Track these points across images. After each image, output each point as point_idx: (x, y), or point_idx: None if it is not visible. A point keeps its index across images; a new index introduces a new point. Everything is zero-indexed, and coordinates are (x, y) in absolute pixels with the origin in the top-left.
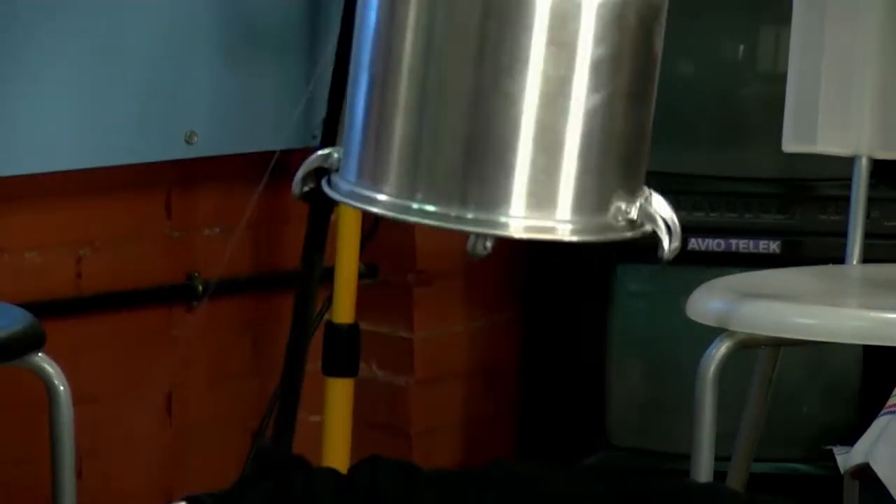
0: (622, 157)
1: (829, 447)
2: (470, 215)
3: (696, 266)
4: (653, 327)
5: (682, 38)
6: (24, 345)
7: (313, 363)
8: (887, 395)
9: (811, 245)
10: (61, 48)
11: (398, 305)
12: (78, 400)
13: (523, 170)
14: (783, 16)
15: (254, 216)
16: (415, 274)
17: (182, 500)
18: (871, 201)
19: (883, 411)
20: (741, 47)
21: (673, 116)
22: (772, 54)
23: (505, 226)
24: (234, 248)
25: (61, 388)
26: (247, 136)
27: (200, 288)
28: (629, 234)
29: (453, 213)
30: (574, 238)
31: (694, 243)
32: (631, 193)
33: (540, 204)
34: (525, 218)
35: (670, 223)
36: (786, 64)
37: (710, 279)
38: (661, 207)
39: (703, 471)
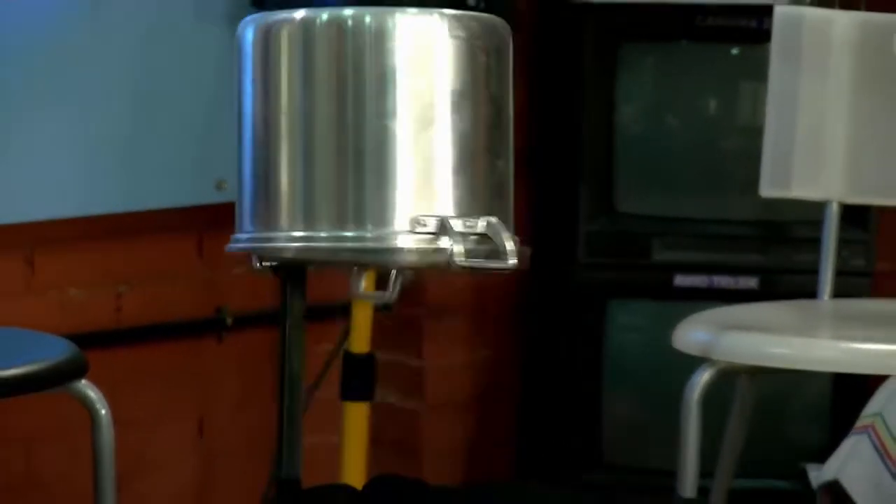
0: (490, 182)
1: (803, 465)
2: (369, 236)
3: (681, 301)
4: (642, 357)
5: (670, 95)
6: (69, 373)
7: (332, 389)
8: (856, 418)
9: (786, 282)
10: (106, 105)
11: (410, 337)
12: (117, 423)
13: (406, 192)
14: (761, 73)
15: None
16: (425, 309)
17: None
18: (842, 242)
19: (852, 432)
20: (722, 103)
21: (661, 165)
22: (750, 109)
23: (396, 246)
24: (259, 284)
25: (103, 412)
26: None
27: (229, 321)
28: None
29: (353, 241)
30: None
31: (679, 280)
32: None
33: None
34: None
35: (505, 250)
36: (763, 117)
37: (694, 313)
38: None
39: (689, 487)
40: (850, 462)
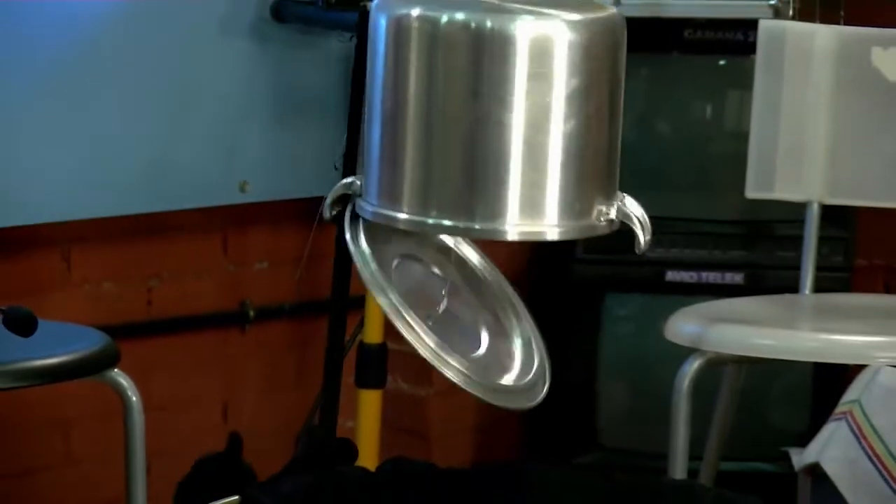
0: (598, 169)
1: (785, 449)
2: (476, 226)
3: (672, 295)
4: (636, 347)
5: (662, 103)
6: (102, 362)
7: (348, 377)
8: (835, 405)
9: (770, 277)
10: (139, 113)
11: None
12: (147, 408)
13: (516, 185)
14: (746, 83)
15: (298, 252)
16: None
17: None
18: (822, 240)
19: (831, 418)
20: (711, 110)
21: (654, 167)
22: (737, 116)
23: (504, 233)
24: (280, 279)
25: (134, 398)
26: (291, 185)
27: (251, 313)
28: (608, 231)
29: (462, 224)
30: (560, 237)
31: (671, 275)
32: (608, 198)
33: (532, 212)
34: (519, 225)
35: (642, 220)
36: (749, 124)
37: (684, 306)
38: (634, 208)
39: (679, 469)
40: (829, 446)
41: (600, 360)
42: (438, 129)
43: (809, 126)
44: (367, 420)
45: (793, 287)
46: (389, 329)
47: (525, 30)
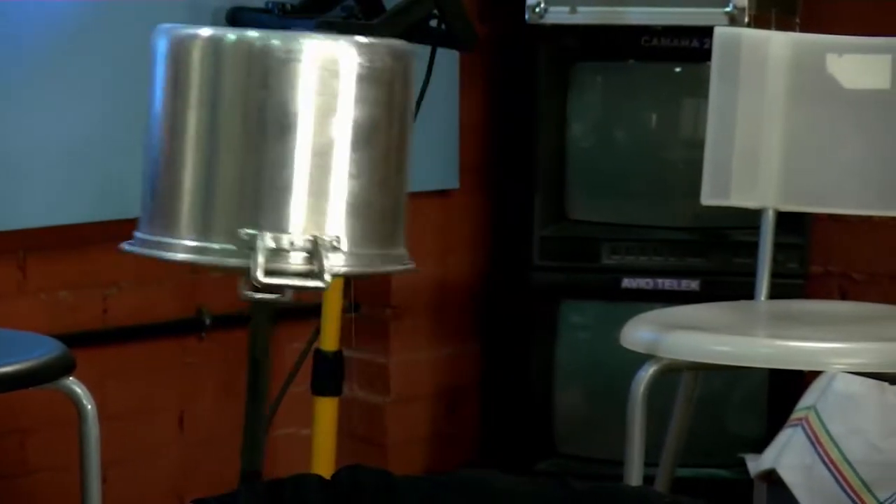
0: (339, 201)
1: (741, 455)
2: (215, 246)
3: (628, 302)
4: (592, 353)
5: (618, 110)
6: (58, 370)
7: (304, 384)
8: (791, 411)
9: (726, 284)
10: (93, 121)
11: (376, 335)
12: (104, 417)
13: (299, 211)
14: (702, 90)
15: None
16: (390, 309)
17: (191, 502)
18: (777, 246)
19: (787, 425)
20: (666, 117)
21: (609, 175)
22: (692, 123)
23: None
24: (237, 286)
25: (89, 407)
26: None
27: (208, 321)
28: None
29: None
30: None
31: (627, 282)
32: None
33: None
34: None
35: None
36: (704, 131)
37: (640, 313)
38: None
39: (635, 475)
40: (785, 452)
41: (556, 368)
42: (220, 152)
43: (764, 133)
44: (322, 428)
45: (748, 294)
46: (345, 336)
47: (312, 49)
